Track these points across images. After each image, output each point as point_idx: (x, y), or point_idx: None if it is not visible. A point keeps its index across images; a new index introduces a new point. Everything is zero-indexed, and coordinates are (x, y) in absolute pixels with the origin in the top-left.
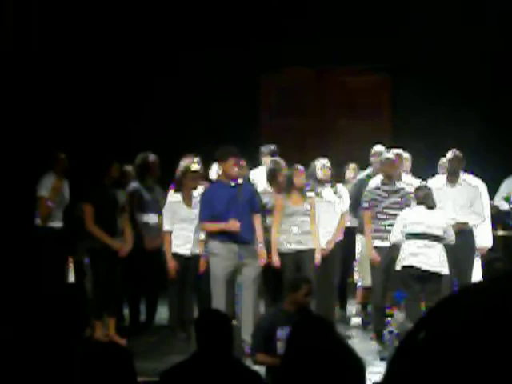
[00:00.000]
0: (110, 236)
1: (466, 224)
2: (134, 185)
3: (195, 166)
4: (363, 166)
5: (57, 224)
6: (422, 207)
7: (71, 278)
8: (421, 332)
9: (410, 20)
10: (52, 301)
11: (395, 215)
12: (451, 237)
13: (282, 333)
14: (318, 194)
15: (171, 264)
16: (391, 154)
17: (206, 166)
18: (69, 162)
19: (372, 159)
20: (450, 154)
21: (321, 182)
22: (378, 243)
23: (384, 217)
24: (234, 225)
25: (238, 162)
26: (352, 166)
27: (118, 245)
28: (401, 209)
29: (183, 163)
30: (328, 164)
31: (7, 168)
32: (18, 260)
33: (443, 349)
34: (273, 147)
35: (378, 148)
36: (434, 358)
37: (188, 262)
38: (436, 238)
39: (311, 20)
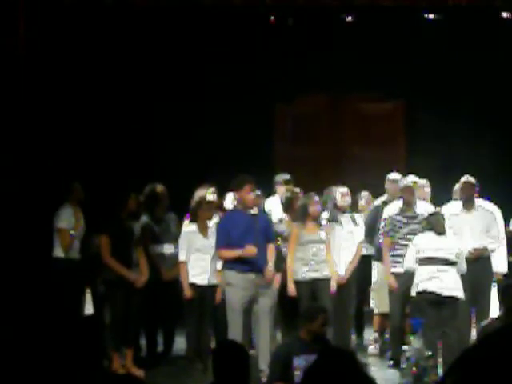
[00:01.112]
0: (126, 268)
1: (485, 249)
2: (143, 219)
3: (210, 197)
4: (378, 192)
5: (75, 255)
6: (431, 233)
7: (89, 310)
8: (455, 376)
9: (424, 46)
10: (70, 332)
11: None
12: (463, 266)
13: (298, 361)
14: (338, 222)
15: (188, 293)
16: (410, 181)
17: (221, 195)
18: (84, 193)
19: (387, 186)
20: (461, 180)
21: (340, 210)
22: (396, 270)
23: (405, 243)
24: (251, 251)
25: (254, 190)
26: (364, 193)
27: (133, 276)
28: None
29: (198, 193)
30: (348, 192)
31: (23, 199)
32: (37, 292)
33: None
34: (287, 176)
35: (394, 175)
36: None
37: (205, 292)
38: (448, 262)
39: (325, 48)
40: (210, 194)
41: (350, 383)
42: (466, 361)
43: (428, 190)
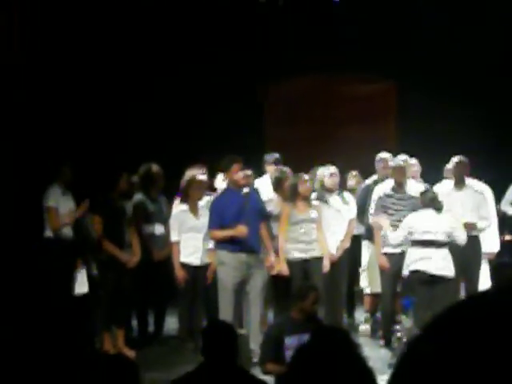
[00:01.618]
0: (119, 248)
1: (474, 225)
2: (138, 196)
3: (201, 177)
4: (369, 172)
5: (66, 235)
6: (429, 210)
7: (83, 289)
8: (425, 342)
9: (416, 27)
10: (61, 313)
11: None
12: (462, 236)
13: (290, 341)
14: (325, 202)
15: (180, 274)
16: (401, 161)
17: (211, 175)
18: (75, 174)
19: (377, 166)
20: (455, 160)
21: (328, 190)
22: (387, 250)
23: (396, 223)
24: (242, 230)
25: (242, 168)
26: (353, 173)
27: (125, 257)
28: None
29: (189, 173)
30: (336, 172)
31: (13, 179)
32: (28, 271)
33: (449, 363)
34: (276, 156)
35: (384, 155)
36: (439, 371)
37: (197, 272)
38: (440, 244)
39: (317, 29)
40: (200, 174)
41: (342, 362)
42: (442, 325)
43: (418, 168)
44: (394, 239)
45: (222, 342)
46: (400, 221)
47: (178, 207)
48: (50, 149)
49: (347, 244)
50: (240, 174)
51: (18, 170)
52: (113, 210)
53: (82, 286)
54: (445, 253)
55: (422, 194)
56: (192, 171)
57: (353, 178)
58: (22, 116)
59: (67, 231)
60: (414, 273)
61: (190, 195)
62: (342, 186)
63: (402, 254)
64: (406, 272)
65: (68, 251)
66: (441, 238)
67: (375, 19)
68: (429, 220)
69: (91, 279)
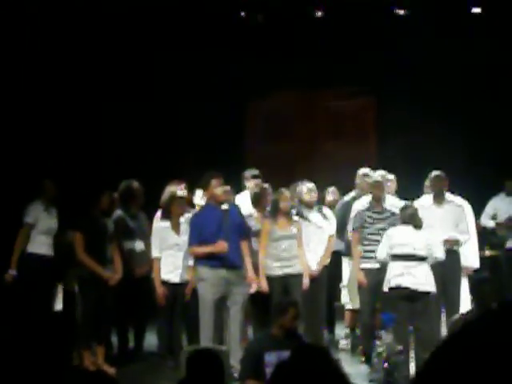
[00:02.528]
0: (100, 265)
1: (456, 241)
2: (118, 213)
3: (181, 193)
4: (349, 189)
5: (46, 252)
6: (408, 227)
7: (60, 306)
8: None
9: (395, 42)
10: (40, 329)
11: (379, 241)
12: (439, 253)
13: (270, 358)
14: (305, 218)
15: (160, 291)
16: (379, 176)
17: (191, 192)
18: (57, 190)
19: (358, 181)
20: (431, 175)
21: (307, 206)
22: (364, 265)
23: (375, 238)
24: (222, 246)
25: (221, 183)
26: (331, 189)
27: (107, 274)
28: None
29: (169, 189)
30: (314, 188)
31: None
32: (6, 287)
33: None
34: (255, 171)
35: (363, 170)
36: None
37: (177, 289)
38: (419, 258)
39: (296, 44)
40: (181, 190)
41: (322, 380)
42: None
43: (394, 184)
44: (379, 255)
45: (208, 372)
46: (376, 234)
47: (160, 223)
48: (31, 165)
49: (327, 260)
50: (219, 190)
51: None
52: (95, 227)
53: (58, 303)
54: (426, 268)
55: (402, 209)
56: (172, 187)
57: (331, 194)
58: (4, 131)
59: (47, 248)
60: (395, 288)
61: (172, 212)
62: (321, 202)
63: (380, 269)
64: (386, 288)
65: (48, 268)
66: (420, 252)
67: (355, 34)
68: (407, 235)
69: (70, 296)
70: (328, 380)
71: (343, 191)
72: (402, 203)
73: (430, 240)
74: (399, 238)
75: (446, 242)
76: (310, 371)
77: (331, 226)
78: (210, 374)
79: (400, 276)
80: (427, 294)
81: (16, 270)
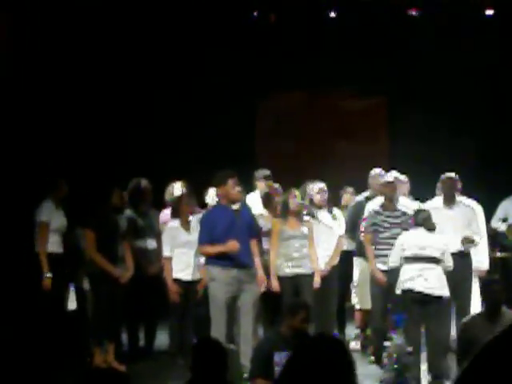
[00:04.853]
0: (111, 262)
1: (473, 241)
2: (127, 212)
3: (177, 191)
4: (361, 188)
5: (58, 250)
6: (421, 229)
7: (72, 305)
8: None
9: (406, 41)
10: (52, 327)
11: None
12: (449, 262)
13: (279, 357)
14: (315, 218)
15: (173, 289)
16: (391, 177)
17: (202, 191)
18: (68, 188)
19: (370, 182)
20: (443, 176)
21: (317, 206)
22: (378, 266)
23: (387, 240)
24: (233, 246)
25: (237, 184)
26: (349, 189)
27: (118, 272)
28: None
29: (171, 189)
30: (325, 188)
31: (7, 193)
32: (19, 286)
33: None
34: (266, 171)
35: (377, 171)
36: None
37: (189, 287)
38: (434, 260)
39: (308, 44)
40: (180, 188)
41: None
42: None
43: (407, 185)
44: (392, 261)
45: (211, 359)
46: (391, 238)
47: (170, 223)
48: (42, 164)
49: (336, 260)
50: (236, 190)
51: (9, 183)
52: (106, 224)
53: (71, 301)
54: (439, 272)
55: (416, 212)
56: (177, 186)
57: (348, 195)
58: (16, 130)
59: (58, 246)
60: (408, 291)
61: (180, 210)
62: (335, 202)
63: (392, 271)
64: (399, 290)
65: (59, 266)
66: (434, 254)
67: (367, 34)
68: (420, 237)
69: (81, 294)
70: (343, 370)
71: (355, 191)
72: (415, 204)
73: (445, 245)
74: (413, 240)
75: (464, 239)
76: (327, 360)
77: (340, 226)
78: (212, 362)
79: (412, 279)
80: (440, 298)
81: (50, 272)
